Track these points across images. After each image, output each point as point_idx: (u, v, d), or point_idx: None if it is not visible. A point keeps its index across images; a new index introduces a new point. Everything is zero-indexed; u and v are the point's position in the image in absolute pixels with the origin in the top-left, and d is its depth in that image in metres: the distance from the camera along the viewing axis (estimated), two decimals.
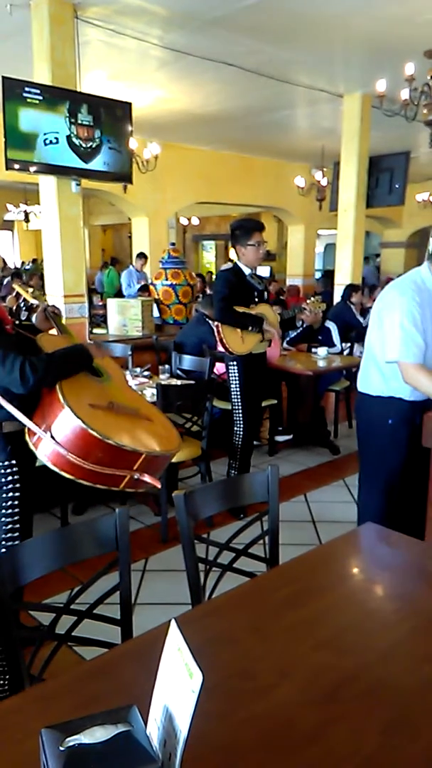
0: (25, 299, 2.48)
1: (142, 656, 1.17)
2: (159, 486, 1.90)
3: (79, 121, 4.66)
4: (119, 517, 1.50)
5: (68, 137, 4.63)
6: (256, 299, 3.59)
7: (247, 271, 3.56)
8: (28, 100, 4.39)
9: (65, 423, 1.87)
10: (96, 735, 0.85)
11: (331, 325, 5.52)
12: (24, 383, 1.92)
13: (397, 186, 7.09)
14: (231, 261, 3.65)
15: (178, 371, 4.30)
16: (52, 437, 1.87)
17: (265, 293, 3.72)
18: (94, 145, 4.80)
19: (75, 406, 1.88)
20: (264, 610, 1.38)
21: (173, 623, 0.91)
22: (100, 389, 2.10)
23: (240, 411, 3.69)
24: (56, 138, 4.56)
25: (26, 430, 1.97)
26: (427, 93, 4.69)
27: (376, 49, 5.47)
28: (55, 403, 1.91)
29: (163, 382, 3.67)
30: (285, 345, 5.47)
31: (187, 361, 4.30)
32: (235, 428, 3.72)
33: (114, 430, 1.88)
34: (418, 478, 2.55)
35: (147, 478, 1.91)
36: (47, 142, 4.52)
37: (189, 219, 15.11)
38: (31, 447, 1.95)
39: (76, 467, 1.87)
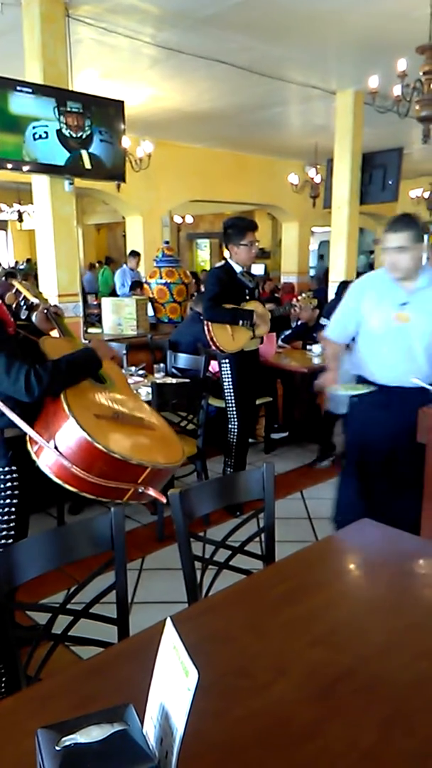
0: (25, 297, 2.41)
1: (139, 655, 1.17)
2: (164, 500, 1.80)
3: (69, 109, 4.62)
4: (114, 517, 1.50)
5: (58, 131, 4.60)
6: (247, 297, 3.59)
7: (238, 269, 3.55)
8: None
9: (70, 434, 1.81)
10: (92, 734, 0.85)
11: (326, 322, 5.51)
12: (29, 393, 1.87)
13: (390, 182, 7.09)
14: (224, 259, 3.64)
15: (173, 370, 4.30)
16: (56, 448, 1.82)
17: (257, 291, 3.71)
18: (84, 136, 4.76)
19: (80, 416, 1.82)
20: (260, 607, 1.38)
21: (169, 621, 0.91)
22: (104, 397, 2.04)
23: (234, 409, 3.69)
24: (45, 132, 4.53)
25: (27, 437, 1.91)
26: (420, 89, 4.67)
27: (368, 46, 5.46)
28: (60, 412, 1.85)
29: (158, 381, 3.67)
30: (280, 342, 5.47)
31: (182, 360, 4.30)
32: (230, 426, 3.73)
33: (120, 443, 1.83)
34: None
35: (151, 491, 1.87)
36: (36, 136, 4.48)
37: (183, 217, 15.09)
38: (33, 456, 1.90)
39: (79, 480, 1.82)
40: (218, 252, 17.00)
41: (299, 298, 4.00)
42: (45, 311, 2.30)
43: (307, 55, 5.79)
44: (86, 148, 4.81)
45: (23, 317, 2.35)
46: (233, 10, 4.69)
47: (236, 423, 3.70)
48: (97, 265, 14.88)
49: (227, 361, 3.62)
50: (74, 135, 4.71)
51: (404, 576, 1.58)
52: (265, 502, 1.82)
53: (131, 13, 4.77)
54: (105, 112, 4.93)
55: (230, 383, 3.64)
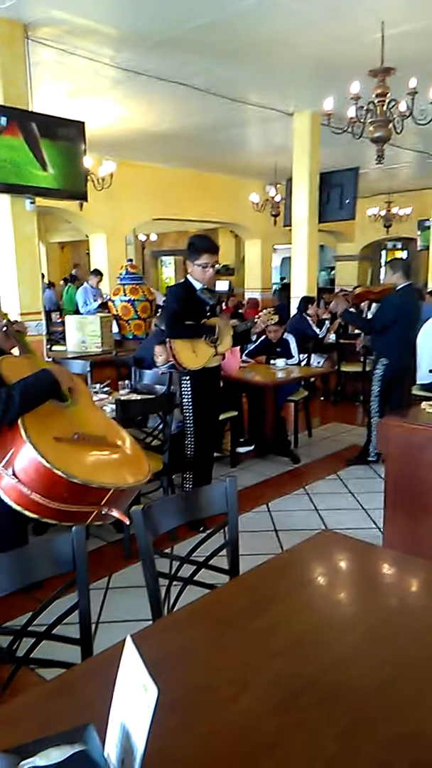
0: None
1: (102, 674, 1.16)
2: (128, 521, 1.76)
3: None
4: (75, 536, 1.49)
5: None
6: (208, 314, 3.60)
7: (197, 285, 3.55)
8: None
9: (28, 460, 1.76)
10: (51, 756, 0.84)
11: (290, 337, 5.62)
12: None
13: (347, 201, 7.28)
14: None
15: (137, 386, 4.28)
16: (14, 474, 1.77)
17: (217, 308, 3.74)
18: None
19: (38, 441, 1.76)
20: (223, 621, 1.39)
21: (128, 639, 0.92)
22: (65, 417, 1.99)
23: (191, 425, 3.69)
24: None
25: None
26: (373, 111, 4.84)
27: (323, 69, 5.64)
28: (17, 437, 1.79)
29: (122, 398, 3.66)
30: (244, 357, 5.53)
31: (148, 376, 4.30)
32: (186, 441, 3.73)
33: (81, 466, 1.78)
34: None
35: (115, 513, 1.84)
36: None
37: (147, 235, 15.14)
38: None
39: (40, 506, 1.77)
40: (183, 269, 17.04)
41: (260, 313, 4.06)
42: (4, 329, 2.27)
43: (265, 78, 5.93)
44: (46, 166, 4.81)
45: None
46: (190, 33, 4.79)
47: (192, 439, 3.70)
48: (61, 282, 14.77)
49: (188, 378, 3.62)
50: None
51: (366, 585, 1.61)
52: (229, 515, 1.83)
53: (90, 35, 4.82)
54: (65, 133, 4.94)
55: (189, 399, 3.65)
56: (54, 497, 1.76)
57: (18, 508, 1.81)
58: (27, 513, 1.81)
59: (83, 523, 1.83)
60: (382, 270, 4.71)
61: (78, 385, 2.22)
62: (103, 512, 1.83)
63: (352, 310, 4.92)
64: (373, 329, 4.75)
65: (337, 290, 12.07)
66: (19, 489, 1.78)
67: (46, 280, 14.49)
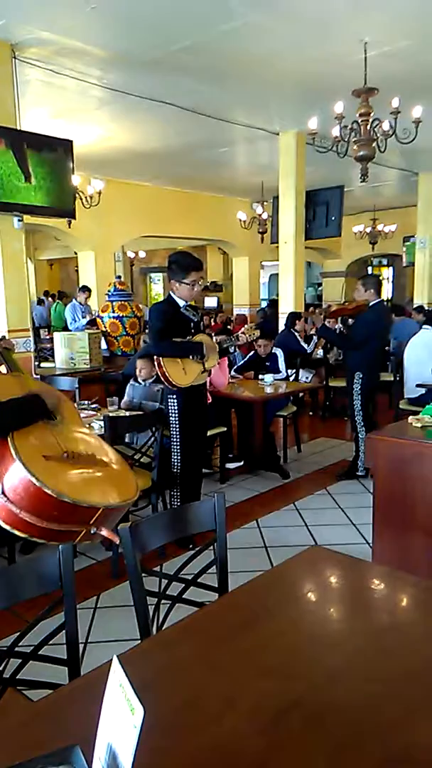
0: None
1: (89, 695, 1.15)
2: (117, 540, 1.75)
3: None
4: (63, 555, 1.48)
5: None
6: (192, 330, 3.62)
7: (181, 303, 3.56)
8: None
9: (17, 479, 1.75)
10: None
11: (278, 351, 5.65)
12: None
13: (333, 218, 7.38)
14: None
15: (132, 402, 4.28)
16: (3, 493, 1.76)
17: (201, 324, 3.75)
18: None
19: (28, 459, 1.76)
20: (211, 639, 1.38)
21: (115, 659, 0.91)
22: (54, 435, 1.99)
23: (178, 442, 3.68)
24: None
25: None
26: (357, 130, 4.93)
27: (307, 89, 5.74)
28: (6, 455, 1.79)
29: (111, 414, 3.65)
30: (233, 373, 5.55)
31: (139, 392, 4.29)
32: (173, 458, 3.71)
33: (70, 484, 1.78)
34: None
35: (104, 531, 1.82)
36: None
37: (136, 252, 15.21)
38: None
39: (29, 525, 1.76)
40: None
41: (243, 329, 4.10)
42: None
43: (250, 98, 6.03)
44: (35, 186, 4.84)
45: None
46: (176, 54, 4.87)
47: (179, 456, 3.69)
48: (49, 299, 14.78)
49: (174, 396, 3.62)
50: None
51: (356, 601, 1.61)
52: (217, 532, 1.82)
53: (78, 55, 4.89)
54: (54, 151, 4.99)
55: (176, 417, 3.64)
56: (43, 516, 1.75)
57: (7, 527, 1.79)
58: (16, 532, 1.79)
59: (72, 542, 1.82)
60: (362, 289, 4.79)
61: (65, 403, 2.22)
62: (92, 531, 1.82)
63: (338, 327, 4.99)
64: (351, 345, 4.81)
65: (312, 308, 12.22)
66: (8, 508, 1.76)
67: (34, 297, 14.52)
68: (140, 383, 4.32)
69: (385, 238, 12.23)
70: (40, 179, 4.87)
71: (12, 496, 1.75)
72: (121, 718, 0.85)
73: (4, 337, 2.36)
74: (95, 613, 2.91)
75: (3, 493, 1.76)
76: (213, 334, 4.39)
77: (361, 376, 4.66)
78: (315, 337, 7.37)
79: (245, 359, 5.84)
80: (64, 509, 1.74)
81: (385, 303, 5.39)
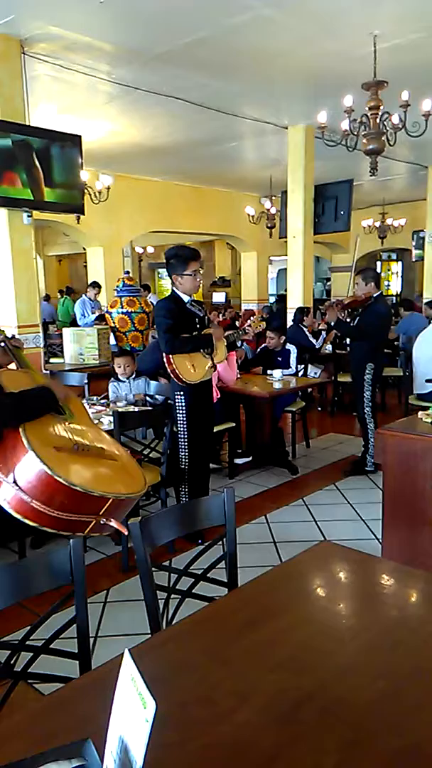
0: None
1: (100, 689, 1.16)
2: (126, 532, 1.78)
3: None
4: (73, 549, 1.49)
5: None
6: (198, 325, 3.61)
7: (185, 298, 3.56)
8: None
9: (29, 468, 1.78)
10: None
11: (292, 348, 5.65)
12: None
13: (342, 213, 7.34)
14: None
15: (148, 398, 4.29)
16: (15, 483, 1.79)
17: (206, 319, 3.75)
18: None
19: (40, 450, 1.79)
20: (222, 634, 1.38)
21: (126, 653, 0.91)
22: (64, 429, 2.02)
23: (185, 437, 3.68)
24: None
25: None
26: (366, 124, 4.90)
27: (316, 83, 5.71)
28: (19, 446, 1.82)
29: (120, 410, 3.66)
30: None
31: (153, 387, 4.31)
32: (180, 454, 3.72)
33: (81, 475, 1.81)
34: None
35: (113, 523, 1.85)
36: None
37: (144, 248, 15.21)
38: None
39: (40, 514, 1.79)
40: None
41: (250, 321, 4.09)
42: (2, 344, 2.27)
43: (259, 92, 6.00)
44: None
45: None
46: (185, 49, 4.85)
47: (186, 451, 3.69)
48: (58, 294, 14.82)
49: (182, 392, 3.62)
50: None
51: (365, 596, 1.61)
52: (227, 527, 1.83)
53: (87, 50, 4.88)
54: (62, 147, 4.99)
55: (183, 413, 3.64)
56: (54, 505, 1.78)
57: (18, 516, 1.82)
58: (27, 521, 1.82)
59: (81, 532, 1.84)
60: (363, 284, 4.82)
61: (73, 399, 2.24)
62: (101, 522, 1.84)
63: (347, 319, 4.98)
64: (366, 336, 4.79)
65: (333, 300, 12.14)
66: (19, 497, 1.79)
67: (43, 293, 14.56)
68: (122, 380, 4.31)
69: (395, 233, 12.15)
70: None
71: (24, 485, 1.78)
72: (132, 711, 0.85)
73: (14, 336, 2.37)
74: (105, 607, 2.93)
75: (15, 482, 1.78)
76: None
77: (372, 366, 4.71)
78: (324, 332, 7.34)
79: (256, 353, 5.85)
80: (76, 498, 1.77)
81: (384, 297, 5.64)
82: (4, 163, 4.54)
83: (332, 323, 4.83)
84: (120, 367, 4.31)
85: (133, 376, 4.30)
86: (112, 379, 4.39)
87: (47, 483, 1.76)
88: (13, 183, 4.63)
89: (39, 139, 4.78)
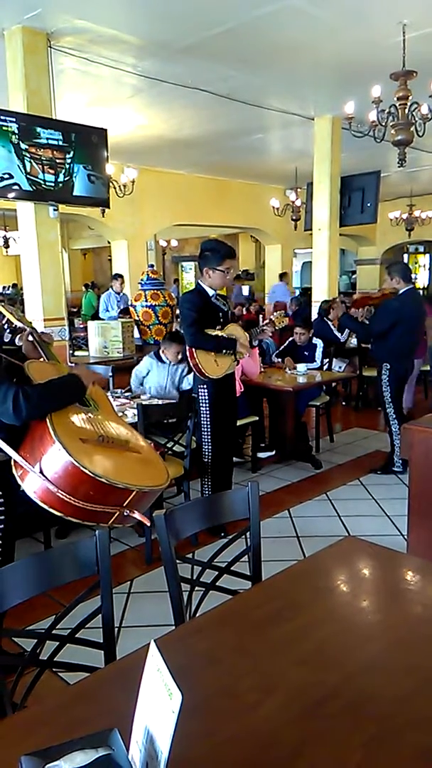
0: (8, 320, 2.40)
1: (125, 679, 1.17)
2: (149, 523, 1.81)
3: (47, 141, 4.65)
4: (99, 540, 1.50)
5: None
6: (222, 320, 3.61)
7: (210, 292, 3.55)
8: (3, 128, 4.43)
9: (56, 459, 1.81)
10: (76, 760, 0.85)
11: (319, 343, 5.62)
12: (17, 414, 1.86)
13: (368, 205, 7.24)
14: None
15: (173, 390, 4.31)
16: (42, 473, 1.82)
17: (230, 313, 3.74)
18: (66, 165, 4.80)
19: (66, 441, 1.82)
20: (246, 627, 1.38)
21: (152, 644, 0.92)
22: (89, 421, 2.04)
23: (208, 431, 3.68)
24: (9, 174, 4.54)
25: (12, 462, 1.90)
26: (394, 114, 4.82)
27: (344, 73, 5.63)
28: (46, 436, 1.85)
29: (144, 402, 3.67)
30: (273, 359, 5.57)
31: (191, 380, 4.32)
32: (203, 448, 3.72)
33: (105, 467, 1.83)
34: None
35: (137, 515, 1.86)
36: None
37: (168, 241, 15.23)
38: (18, 480, 1.89)
39: (65, 504, 1.82)
40: None
41: (273, 316, 4.07)
42: (30, 338, 2.28)
43: (285, 83, 5.94)
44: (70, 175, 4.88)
45: (6, 340, 2.35)
46: (211, 41, 4.82)
47: (209, 445, 3.70)
48: (83, 288, 14.94)
49: (205, 385, 3.62)
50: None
51: (390, 593, 1.59)
52: (251, 521, 1.82)
53: (112, 43, 4.88)
54: (88, 140, 5.00)
55: (207, 407, 3.64)
56: (79, 495, 1.80)
57: (44, 506, 1.85)
58: (52, 511, 1.85)
59: (105, 523, 1.86)
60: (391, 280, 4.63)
61: (98, 391, 2.26)
62: (125, 513, 1.86)
63: (361, 318, 4.85)
64: (370, 334, 4.69)
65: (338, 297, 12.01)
66: (46, 486, 1.82)
67: (73, 287, 14.74)
68: (164, 362, 4.32)
69: (422, 225, 11.96)
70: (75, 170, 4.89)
71: (50, 475, 1.81)
72: (158, 702, 0.86)
73: (43, 332, 2.38)
74: (129, 598, 2.96)
75: (41, 472, 1.81)
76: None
77: (388, 366, 4.53)
78: None
79: (284, 345, 5.83)
80: (101, 489, 1.79)
81: (419, 291, 5.11)
82: None
83: (337, 318, 4.73)
84: (171, 352, 4.30)
85: (178, 361, 4.31)
86: (150, 356, 4.38)
87: (73, 474, 1.78)
88: None
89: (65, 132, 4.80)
